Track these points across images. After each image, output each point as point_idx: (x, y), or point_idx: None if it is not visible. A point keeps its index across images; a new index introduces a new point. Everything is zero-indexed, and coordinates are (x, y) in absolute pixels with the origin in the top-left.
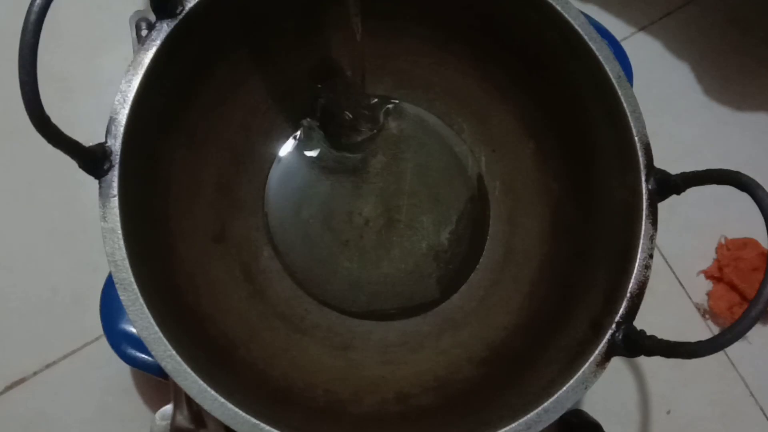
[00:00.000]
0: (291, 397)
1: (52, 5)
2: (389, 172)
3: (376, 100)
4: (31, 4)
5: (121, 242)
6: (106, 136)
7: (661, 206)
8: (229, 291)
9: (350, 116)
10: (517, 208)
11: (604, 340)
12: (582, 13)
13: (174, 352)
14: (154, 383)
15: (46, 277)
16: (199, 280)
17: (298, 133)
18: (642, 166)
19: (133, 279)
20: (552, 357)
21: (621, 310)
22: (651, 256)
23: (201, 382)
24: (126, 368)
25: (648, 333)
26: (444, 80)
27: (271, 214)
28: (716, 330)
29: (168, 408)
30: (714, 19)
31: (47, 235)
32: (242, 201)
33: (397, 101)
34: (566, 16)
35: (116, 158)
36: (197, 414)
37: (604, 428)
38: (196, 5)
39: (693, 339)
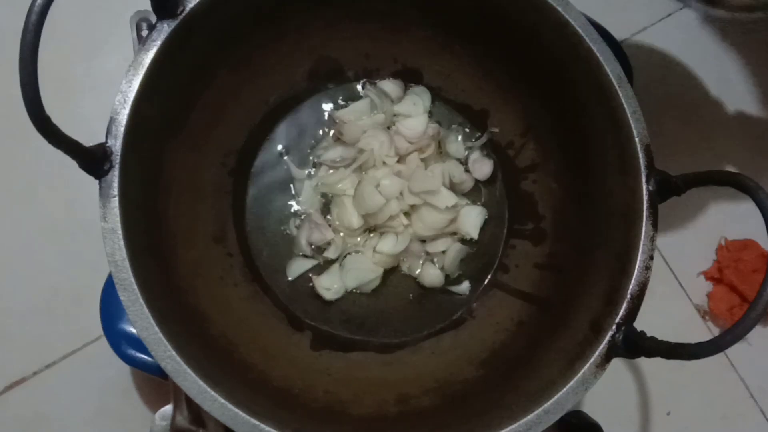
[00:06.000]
0: (291, 397)
1: (53, 5)
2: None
3: None
4: (32, 5)
5: (121, 242)
6: (106, 137)
7: (662, 207)
8: (229, 291)
9: None
10: (518, 208)
11: (605, 342)
12: (582, 14)
13: (174, 353)
14: (154, 383)
15: (46, 277)
16: (199, 281)
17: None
18: (642, 167)
19: (133, 279)
20: (552, 358)
21: (621, 312)
22: (651, 258)
23: (201, 382)
24: (126, 368)
25: (648, 334)
26: (445, 80)
27: (272, 215)
28: (716, 331)
29: (168, 408)
30: (714, 20)
31: (47, 235)
32: (243, 201)
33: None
34: (567, 17)
35: (116, 158)
36: (197, 414)
37: (604, 429)
38: (196, 5)
39: (693, 340)
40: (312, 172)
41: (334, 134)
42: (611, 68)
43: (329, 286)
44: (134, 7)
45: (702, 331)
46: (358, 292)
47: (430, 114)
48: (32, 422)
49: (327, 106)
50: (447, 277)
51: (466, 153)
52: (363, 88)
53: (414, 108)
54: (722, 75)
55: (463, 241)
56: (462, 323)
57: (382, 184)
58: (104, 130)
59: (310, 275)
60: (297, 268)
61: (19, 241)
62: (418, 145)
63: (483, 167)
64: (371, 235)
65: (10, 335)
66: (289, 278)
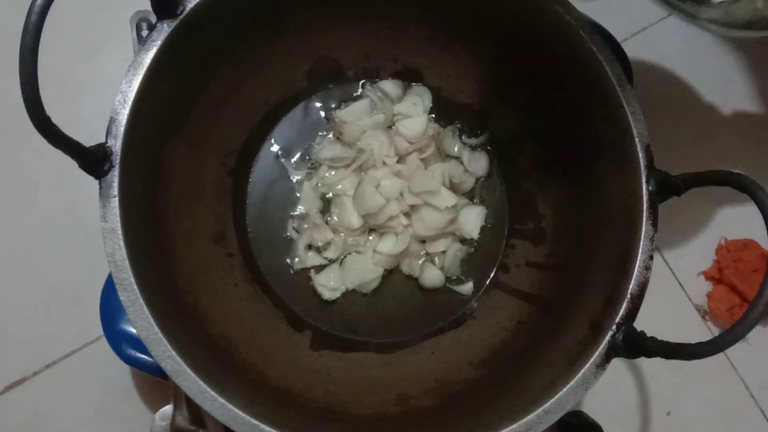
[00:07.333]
0: (291, 397)
1: (53, 5)
2: None
3: None
4: (32, 5)
5: (121, 242)
6: (106, 137)
7: (661, 207)
8: (229, 291)
9: None
10: (518, 208)
11: (605, 342)
12: (582, 14)
13: (174, 353)
14: (154, 383)
15: (46, 277)
16: (199, 281)
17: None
18: (642, 167)
19: (133, 279)
20: (552, 358)
21: (621, 312)
22: (651, 258)
23: (201, 382)
24: (126, 368)
25: (648, 334)
26: (445, 80)
27: (272, 215)
28: (716, 331)
29: (168, 408)
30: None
31: (47, 235)
32: (243, 201)
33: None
34: (567, 17)
35: (116, 158)
36: (197, 414)
37: (604, 429)
38: (196, 5)
39: (693, 340)
40: (312, 173)
41: (334, 134)
42: (611, 68)
43: (329, 284)
44: (134, 7)
45: (702, 331)
46: (359, 292)
47: (430, 114)
48: (32, 422)
49: (327, 106)
50: (447, 277)
51: (462, 150)
52: (362, 88)
53: (414, 108)
54: (722, 75)
55: (463, 241)
56: (462, 323)
57: (382, 185)
58: (104, 130)
59: (310, 273)
60: (303, 261)
61: (19, 241)
62: (418, 145)
63: (479, 162)
64: (371, 236)
65: (10, 335)
66: (294, 268)
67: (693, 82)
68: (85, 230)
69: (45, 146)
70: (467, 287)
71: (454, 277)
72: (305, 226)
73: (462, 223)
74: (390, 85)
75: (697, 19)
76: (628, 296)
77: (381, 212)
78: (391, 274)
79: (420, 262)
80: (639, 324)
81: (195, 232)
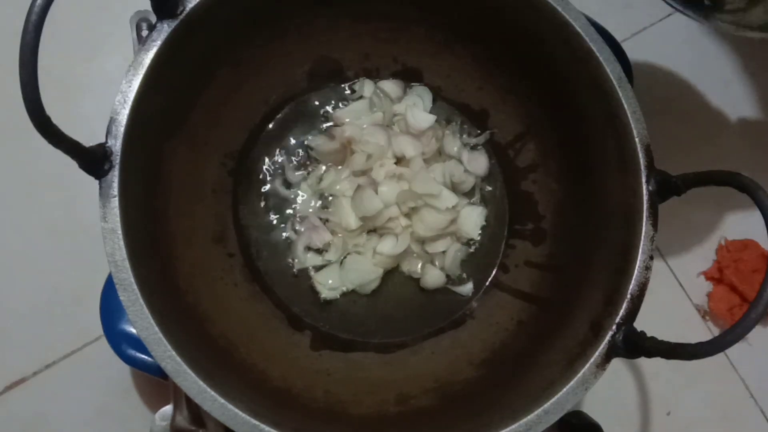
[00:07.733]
0: (291, 397)
1: (53, 5)
2: None
3: None
4: (32, 5)
5: (121, 242)
6: (106, 137)
7: (662, 207)
8: (229, 291)
9: None
10: (518, 208)
11: (605, 342)
12: (582, 14)
13: (174, 353)
14: (154, 383)
15: (46, 277)
16: (199, 281)
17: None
18: (642, 167)
19: (133, 279)
20: (552, 358)
21: (621, 312)
22: (651, 258)
23: (201, 382)
24: (126, 368)
25: (648, 334)
26: (445, 80)
27: (272, 215)
28: (716, 331)
29: (168, 408)
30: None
31: (47, 235)
32: (243, 201)
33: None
34: (567, 17)
35: (116, 158)
36: (197, 414)
37: (604, 429)
38: (196, 5)
39: (693, 340)
40: (310, 173)
41: (332, 134)
42: (611, 68)
43: (328, 283)
44: (134, 7)
45: (702, 331)
46: (359, 292)
47: (430, 114)
48: (32, 422)
49: (327, 106)
50: (448, 277)
51: (462, 150)
52: (360, 87)
53: (414, 108)
54: (722, 75)
55: (463, 241)
56: (462, 323)
57: (380, 191)
58: (104, 130)
59: (311, 272)
60: (303, 262)
61: (19, 241)
62: (424, 146)
63: (479, 162)
64: (371, 237)
65: (10, 335)
66: (294, 269)
67: (693, 82)
68: (85, 230)
69: (45, 146)
70: (467, 287)
71: (454, 278)
72: (303, 227)
73: (462, 223)
74: (390, 85)
75: (710, 18)
76: (628, 296)
77: (380, 215)
78: (391, 274)
79: (420, 262)
80: (639, 324)
81: (195, 232)
